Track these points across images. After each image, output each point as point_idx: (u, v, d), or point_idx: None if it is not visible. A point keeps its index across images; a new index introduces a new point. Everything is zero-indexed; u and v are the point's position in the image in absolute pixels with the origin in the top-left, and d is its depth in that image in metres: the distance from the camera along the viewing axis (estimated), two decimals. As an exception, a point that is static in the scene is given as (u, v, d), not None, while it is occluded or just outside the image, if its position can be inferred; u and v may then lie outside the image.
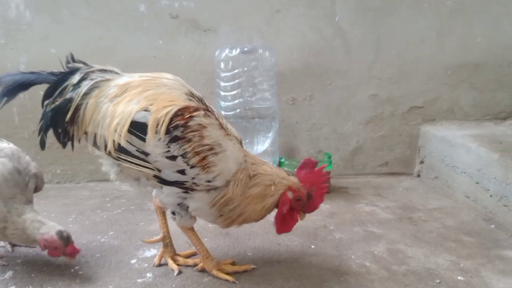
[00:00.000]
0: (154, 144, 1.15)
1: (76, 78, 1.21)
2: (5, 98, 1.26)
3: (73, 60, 1.27)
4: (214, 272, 1.35)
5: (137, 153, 1.17)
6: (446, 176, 2.24)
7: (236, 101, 2.15)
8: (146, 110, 1.16)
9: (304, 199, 1.33)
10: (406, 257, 1.50)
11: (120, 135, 1.15)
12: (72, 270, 1.41)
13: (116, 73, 1.27)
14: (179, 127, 1.15)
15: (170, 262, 1.42)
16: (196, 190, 1.23)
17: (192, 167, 1.17)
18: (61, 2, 2.38)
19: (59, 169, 2.54)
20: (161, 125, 1.14)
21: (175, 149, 1.16)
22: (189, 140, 1.16)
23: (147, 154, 1.17)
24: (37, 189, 1.42)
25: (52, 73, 1.26)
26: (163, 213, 1.46)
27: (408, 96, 2.53)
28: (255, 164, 1.31)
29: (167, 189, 1.25)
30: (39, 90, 2.64)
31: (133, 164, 1.19)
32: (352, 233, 1.72)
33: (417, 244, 1.61)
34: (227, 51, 2.12)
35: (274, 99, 2.20)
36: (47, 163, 2.53)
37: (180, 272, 1.39)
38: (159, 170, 1.19)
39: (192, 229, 1.36)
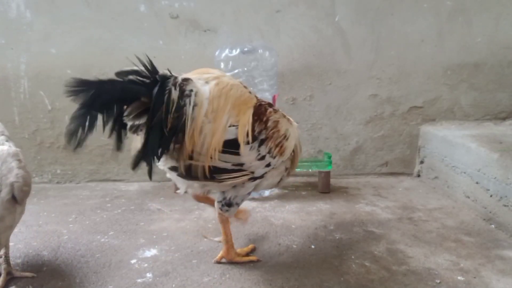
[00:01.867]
0: (248, 154, 1.25)
1: (175, 92, 1.10)
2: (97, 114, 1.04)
3: (154, 67, 1.13)
4: (237, 259, 1.46)
5: (232, 167, 1.25)
6: (446, 176, 2.24)
7: (236, 101, 2.15)
8: (233, 125, 1.23)
9: None
10: (406, 257, 1.50)
11: (216, 159, 1.20)
12: (72, 270, 1.41)
13: (189, 80, 1.19)
14: (262, 131, 1.28)
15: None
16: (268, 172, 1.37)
17: (274, 157, 1.32)
18: (61, 2, 2.38)
19: (59, 169, 2.55)
20: (249, 135, 1.24)
21: (263, 150, 1.29)
22: (271, 138, 1.30)
23: (242, 165, 1.26)
24: (16, 199, 1.25)
25: (135, 82, 1.07)
26: (205, 197, 1.54)
27: (408, 96, 2.53)
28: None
29: (248, 183, 1.34)
30: (39, 90, 2.66)
31: (231, 179, 1.26)
32: (352, 233, 1.72)
33: (417, 244, 1.61)
34: (227, 51, 2.12)
35: (274, 99, 2.20)
36: (47, 163, 2.53)
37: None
38: (253, 172, 1.30)
39: (229, 221, 1.47)
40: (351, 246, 1.60)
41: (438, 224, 1.81)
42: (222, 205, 1.39)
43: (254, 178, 1.34)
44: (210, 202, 1.56)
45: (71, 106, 2.69)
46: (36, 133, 2.49)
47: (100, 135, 2.78)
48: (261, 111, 1.30)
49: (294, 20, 2.43)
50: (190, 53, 2.43)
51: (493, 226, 1.78)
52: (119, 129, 1.09)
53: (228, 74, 2.08)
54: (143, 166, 1.14)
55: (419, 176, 2.58)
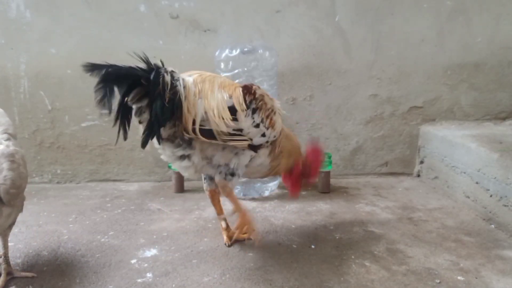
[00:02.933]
0: (244, 120, 1.42)
1: (167, 76, 1.29)
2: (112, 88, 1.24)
3: (148, 59, 1.32)
4: (252, 224, 1.60)
5: (233, 131, 1.40)
6: (446, 176, 2.24)
7: (236, 101, 2.15)
8: (230, 97, 1.41)
9: (307, 169, 1.69)
10: (406, 257, 1.50)
11: (227, 122, 1.38)
12: (72, 270, 1.41)
13: (174, 71, 1.38)
14: (252, 101, 1.45)
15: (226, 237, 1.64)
16: (262, 148, 1.52)
17: (267, 128, 1.48)
18: (61, 2, 2.38)
19: (59, 169, 2.55)
20: (242, 103, 1.42)
21: (257, 118, 1.45)
22: (261, 108, 1.47)
23: (241, 130, 1.42)
24: (3, 201, 1.23)
25: (135, 69, 1.27)
26: (220, 201, 1.67)
27: (408, 96, 2.53)
28: (284, 129, 1.64)
29: (244, 153, 1.49)
30: (39, 90, 2.66)
31: (234, 141, 1.42)
32: (352, 233, 1.72)
33: (417, 244, 1.61)
34: (227, 51, 2.12)
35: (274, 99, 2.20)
36: (47, 163, 2.53)
37: (231, 245, 1.60)
38: (251, 139, 1.45)
39: (233, 191, 1.58)
40: (351, 246, 1.60)
41: (438, 224, 1.81)
42: (226, 175, 1.50)
43: (253, 147, 1.48)
44: (218, 209, 1.67)
45: (71, 106, 2.71)
46: (36, 133, 2.49)
47: (101, 135, 2.79)
48: (248, 87, 1.48)
49: (294, 20, 2.43)
50: (190, 53, 2.43)
51: (493, 226, 1.78)
52: (123, 118, 1.28)
53: (228, 74, 2.11)
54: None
55: (419, 176, 2.58)
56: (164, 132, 1.35)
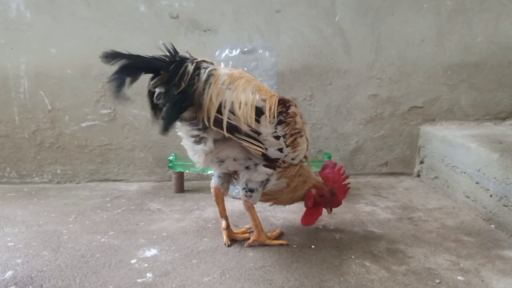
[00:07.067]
0: (266, 125, 1.40)
1: (191, 66, 1.30)
2: (128, 79, 1.25)
3: (176, 51, 1.34)
4: (268, 241, 1.60)
5: (251, 133, 1.39)
6: (446, 176, 2.24)
7: (236, 101, 2.15)
8: (262, 100, 1.40)
9: (327, 195, 1.66)
10: (406, 257, 1.50)
11: (250, 118, 1.36)
12: (72, 270, 1.42)
13: (212, 63, 1.40)
14: (283, 113, 1.44)
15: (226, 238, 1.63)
16: (279, 167, 1.51)
17: (287, 146, 1.46)
18: (61, 2, 2.38)
19: (59, 169, 2.54)
20: (273, 111, 1.41)
21: (279, 131, 1.44)
22: (288, 124, 1.46)
23: (259, 134, 1.40)
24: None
25: (158, 59, 1.30)
26: (223, 201, 1.66)
27: (408, 96, 2.53)
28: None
29: (261, 168, 1.49)
30: (39, 90, 2.66)
31: (247, 142, 1.39)
32: (352, 233, 1.72)
33: (417, 244, 1.61)
34: (227, 51, 2.12)
35: (274, 99, 2.20)
36: (47, 163, 2.53)
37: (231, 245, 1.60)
38: (266, 149, 1.44)
39: (254, 207, 1.60)
40: (351, 246, 1.60)
41: (438, 224, 1.81)
42: (246, 191, 1.54)
43: (266, 158, 1.45)
44: (221, 208, 1.66)
45: (71, 106, 2.70)
46: (36, 133, 2.49)
47: (101, 135, 2.78)
48: (285, 99, 1.48)
49: (294, 20, 2.43)
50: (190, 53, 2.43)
51: (493, 226, 1.78)
52: (152, 100, 1.33)
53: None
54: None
55: (419, 176, 2.58)
56: (184, 115, 1.34)
